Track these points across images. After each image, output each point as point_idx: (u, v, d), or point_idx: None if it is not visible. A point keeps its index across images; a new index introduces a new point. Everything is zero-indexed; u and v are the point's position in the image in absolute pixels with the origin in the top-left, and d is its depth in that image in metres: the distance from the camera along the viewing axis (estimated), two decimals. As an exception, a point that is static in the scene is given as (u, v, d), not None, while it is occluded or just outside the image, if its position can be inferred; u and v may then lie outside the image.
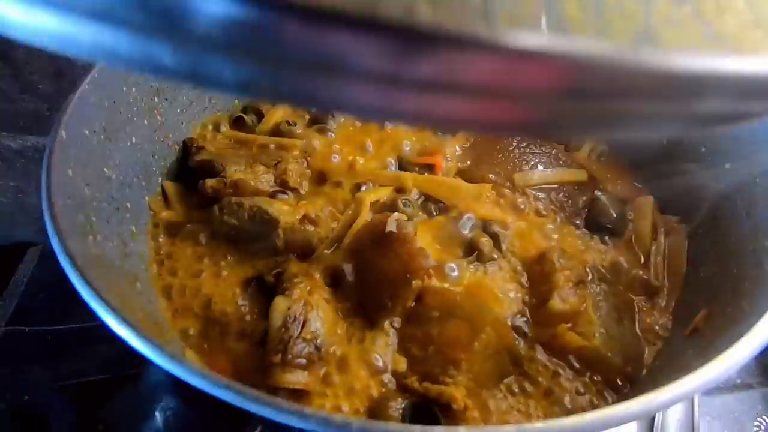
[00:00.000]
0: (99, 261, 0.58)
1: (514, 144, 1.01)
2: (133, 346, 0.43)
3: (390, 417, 0.63)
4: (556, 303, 0.70)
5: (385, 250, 0.74)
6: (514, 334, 0.70)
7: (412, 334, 0.71)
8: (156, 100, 0.91)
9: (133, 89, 0.84)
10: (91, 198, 0.66)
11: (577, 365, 0.68)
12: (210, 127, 1.06)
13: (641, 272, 0.80)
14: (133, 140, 0.84)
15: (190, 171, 0.95)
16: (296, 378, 0.62)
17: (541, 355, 0.69)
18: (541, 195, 0.93)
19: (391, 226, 0.75)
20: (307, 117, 1.11)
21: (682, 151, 0.91)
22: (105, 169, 0.74)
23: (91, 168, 0.69)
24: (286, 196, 0.93)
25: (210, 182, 0.89)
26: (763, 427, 0.89)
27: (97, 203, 0.68)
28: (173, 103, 0.96)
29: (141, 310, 0.62)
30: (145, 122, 0.88)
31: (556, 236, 0.85)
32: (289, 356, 0.63)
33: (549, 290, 0.73)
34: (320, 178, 0.99)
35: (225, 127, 1.06)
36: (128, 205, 0.79)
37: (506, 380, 0.66)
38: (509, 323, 0.71)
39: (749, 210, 0.68)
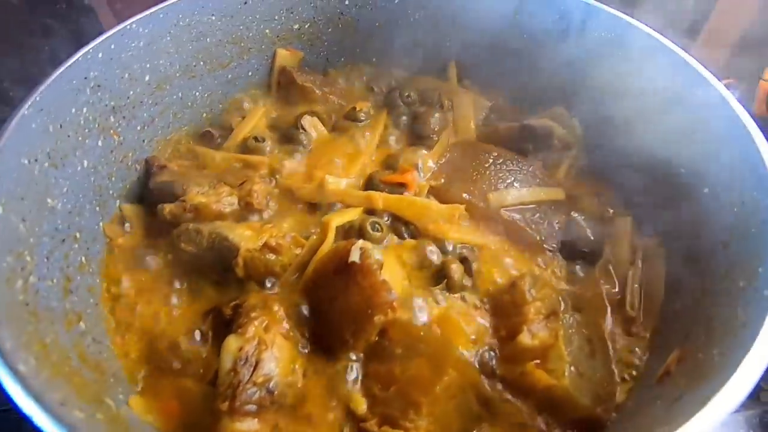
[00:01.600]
0: (24, 309, 0.54)
1: (491, 160, 0.97)
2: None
3: (347, 464, 0.60)
4: (525, 338, 0.67)
5: (348, 283, 0.70)
6: (480, 372, 0.66)
7: (375, 371, 0.67)
8: (112, 119, 0.86)
9: (84, 110, 0.80)
10: (27, 235, 0.62)
11: (544, 405, 0.64)
12: (174, 144, 1.02)
13: (617, 301, 0.76)
14: (85, 164, 0.80)
15: (151, 192, 0.91)
16: (246, 426, 0.59)
17: (508, 394, 0.65)
18: (516, 216, 0.89)
19: (354, 256, 0.71)
20: (279, 131, 1.07)
21: (664, 170, 0.87)
22: (48, 200, 0.69)
23: (29, 201, 0.65)
24: (252, 219, 0.90)
25: (168, 207, 0.85)
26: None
27: (36, 239, 0.64)
28: (132, 121, 0.91)
29: (78, 357, 0.58)
30: (99, 143, 0.83)
31: (528, 262, 0.82)
32: (238, 403, 0.59)
33: (519, 323, 0.70)
34: (288, 198, 0.95)
35: (189, 145, 1.02)
36: (77, 234, 0.75)
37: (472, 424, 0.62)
38: (476, 360, 0.67)
39: (726, 241, 0.65)
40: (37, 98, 0.70)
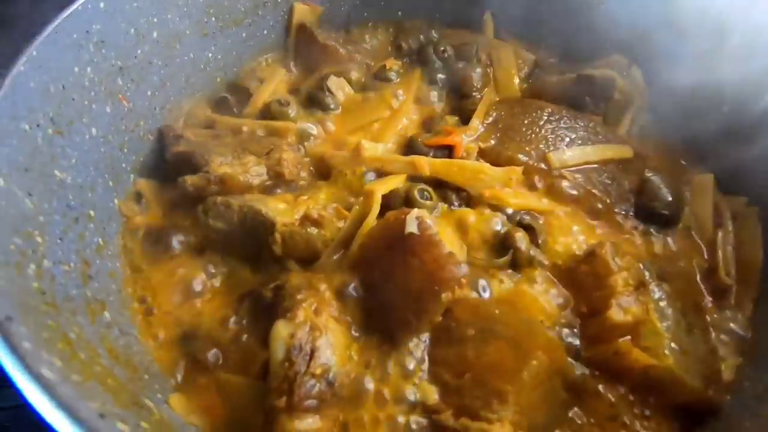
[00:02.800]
0: (40, 300, 0.45)
1: (545, 117, 0.87)
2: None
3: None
4: (616, 314, 0.58)
5: (406, 256, 0.61)
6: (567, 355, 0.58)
7: (444, 356, 0.59)
8: (119, 81, 0.76)
9: (88, 69, 0.69)
10: (36, 211, 0.53)
11: (643, 389, 0.56)
12: (189, 112, 0.92)
13: (705, 269, 0.67)
14: (94, 132, 0.70)
15: (168, 165, 0.81)
16: (306, 425, 0.51)
17: (598, 377, 0.57)
18: (580, 177, 0.79)
19: (411, 227, 0.62)
20: (302, 95, 0.96)
21: (741, 121, 0.77)
22: (56, 172, 0.60)
23: (34, 172, 0.55)
24: (281, 191, 0.80)
25: (190, 179, 0.75)
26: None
27: (46, 217, 0.54)
28: (141, 84, 0.80)
29: (108, 352, 0.50)
30: (108, 109, 0.73)
31: (603, 227, 0.72)
32: (296, 398, 0.51)
33: (603, 297, 0.61)
34: (321, 168, 0.85)
35: (206, 112, 0.92)
36: (91, 212, 0.65)
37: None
38: (560, 340, 0.59)
39: None
40: (34, 53, 0.59)
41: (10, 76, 0.55)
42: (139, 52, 0.79)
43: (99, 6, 0.70)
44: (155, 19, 0.81)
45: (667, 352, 0.57)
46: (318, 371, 0.53)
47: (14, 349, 0.33)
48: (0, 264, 0.42)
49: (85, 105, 0.68)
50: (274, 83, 0.97)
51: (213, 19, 0.92)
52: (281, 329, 0.56)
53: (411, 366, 0.59)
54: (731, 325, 0.63)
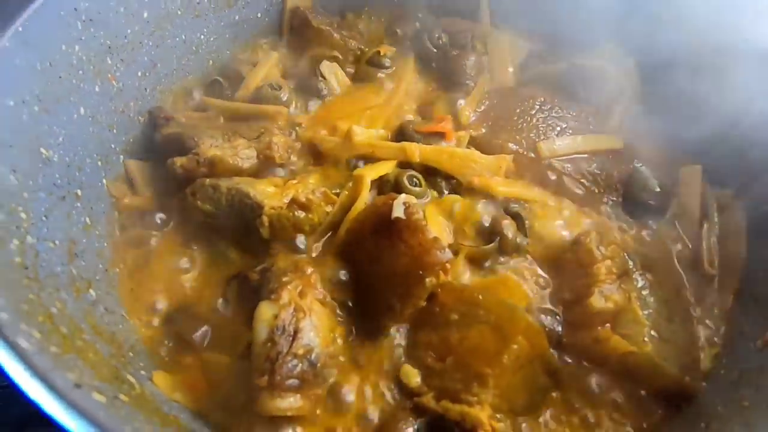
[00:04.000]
0: (22, 274, 0.45)
1: (537, 106, 0.86)
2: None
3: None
4: (597, 301, 0.59)
5: (392, 241, 0.61)
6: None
7: (427, 340, 0.59)
8: (109, 61, 0.75)
9: (76, 47, 0.68)
10: (20, 188, 0.53)
11: (621, 376, 0.57)
12: (180, 94, 0.91)
13: (690, 259, 0.68)
14: (82, 111, 0.69)
15: (158, 146, 0.80)
16: (288, 404, 0.51)
17: (578, 364, 0.58)
18: (569, 167, 0.79)
19: (398, 211, 0.62)
20: (295, 79, 0.96)
21: (729, 115, 0.77)
22: (42, 150, 0.59)
23: (18, 149, 0.55)
24: (273, 174, 0.80)
25: (180, 161, 0.75)
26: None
27: (30, 194, 0.54)
28: (131, 65, 0.80)
29: (91, 328, 0.50)
30: (96, 88, 0.73)
31: (587, 218, 0.73)
32: (278, 378, 0.51)
33: (587, 284, 0.61)
34: (311, 152, 0.85)
35: (197, 95, 0.91)
36: (78, 192, 0.65)
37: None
38: (544, 328, 0.59)
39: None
40: (20, 28, 0.59)
41: (-5, 52, 0.55)
42: (129, 31, 0.78)
43: (88, -18, 0.69)
44: (146, -1, 0.80)
45: (646, 339, 0.57)
46: (300, 352, 0.54)
47: (-9, 320, 0.34)
48: (-20, 238, 0.42)
49: (72, 83, 0.68)
50: (267, 67, 0.96)
51: (206, 0, 0.91)
52: (265, 310, 0.56)
53: (395, 349, 0.60)
54: (712, 314, 0.64)
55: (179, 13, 0.87)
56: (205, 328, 0.63)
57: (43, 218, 0.55)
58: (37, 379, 0.31)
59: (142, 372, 0.53)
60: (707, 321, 0.63)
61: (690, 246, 0.70)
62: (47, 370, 0.32)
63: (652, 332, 0.58)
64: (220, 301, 0.66)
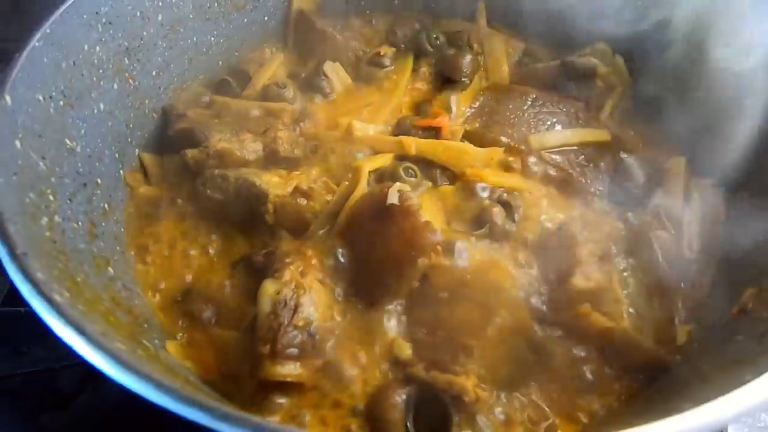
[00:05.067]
0: (52, 246, 0.51)
1: (529, 102, 0.91)
2: (78, 353, 0.35)
3: (392, 409, 0.57)
4: (579, 280, 0.63)
5: (387, 225, 0.66)
6: (531, 318, 0.62)
7: (419, 316, 0.64)
8: (126, 61, 0.81)
9: (97, 48, 0.74)
10: (48, 173, 0.58)
11: (601, 350, 0.60)
12: (192, 92, 0.97)
13: (673, 244, 0.71)
14: (101, 107, 0.75)
15: (171, 140, 0.86)
16: (288, 370, 0.56)
17: (561, 339, 0.62)
18: (558, 158, 0.83)
19: (392, 198, 0.67)
20: (300, 79, 1.01)
21: (715, 106, 0.80)
22: (67, 140, 0.65)
23: (47, 139, 0.60)
24: (278, 167, 0.85)
25: (191, 153, 0.80)
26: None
27: (57, 179, 0.60)
28: (146, 64, 0.85)
29: (110, 299, 0.55)
30: (115, 86, 0.78)
31: (576, 205, 0.76)
32: (280, 346, 0.56)
33: (570, 266, 0.65)
34: (314, 146, 0.89)
35: (207, 93, 0.97)
36: (98, 180, 0.71)
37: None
38: (525, 304, 0.63)
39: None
40: (47, 30, 0.64)
41: (26, 51, 0.60)
42: (144, 34, 0.84)
43: (108, -11, 0.75)
44: (160, 3, 0.86)
45: (624, 316, 0.61)
46: (300, 323, 0.58)
47: (30, 278, 0.39)
48: (17, 213, 0.47)
49: (93, 81, 0.73)
50: (273, 67, 1.02)
51: (215, 4, 0.96)
52: (269, 286, 0.61)
53: (388, 324, 0.64)
54: (689, 295, 0.67)
55: (191, 16, 0.92)
56: (213, 307, 0.68)
57: (68, 201, 0.61)
58: (71, 326, 0.36)
59: (156, 341, 0.58)
60: (684, 301, 0.67)
61: (672, 232, 0.73)
62: (78, 320, 0.37)
63: (631, 309, 0.62)
64: (228, 281, 0.71)
